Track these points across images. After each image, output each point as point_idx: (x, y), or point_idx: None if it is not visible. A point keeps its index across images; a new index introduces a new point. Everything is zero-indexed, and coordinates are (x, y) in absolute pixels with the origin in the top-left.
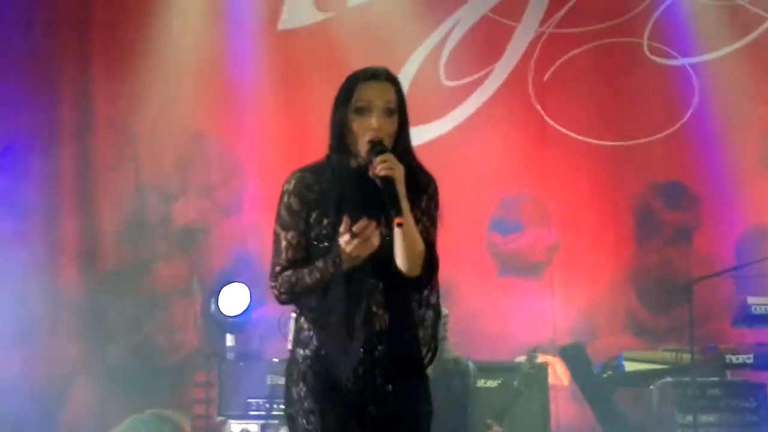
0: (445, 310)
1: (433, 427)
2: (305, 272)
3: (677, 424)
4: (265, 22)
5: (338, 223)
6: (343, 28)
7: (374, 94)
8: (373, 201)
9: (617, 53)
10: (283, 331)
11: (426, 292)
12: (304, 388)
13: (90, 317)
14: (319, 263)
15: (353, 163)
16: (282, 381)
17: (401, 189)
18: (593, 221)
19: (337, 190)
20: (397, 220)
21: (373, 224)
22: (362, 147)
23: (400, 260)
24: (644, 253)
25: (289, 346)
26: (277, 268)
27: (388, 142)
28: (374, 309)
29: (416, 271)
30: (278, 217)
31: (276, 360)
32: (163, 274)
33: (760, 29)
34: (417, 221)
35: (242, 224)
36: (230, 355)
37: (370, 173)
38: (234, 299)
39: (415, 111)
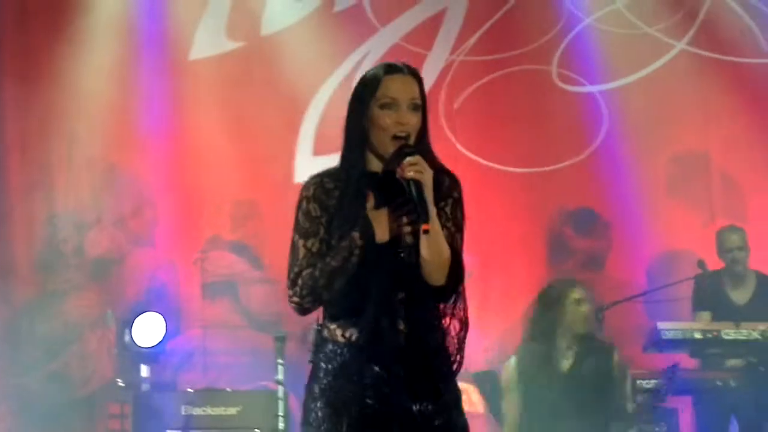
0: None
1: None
2: (327, 258)
3: None
4: (176, 53)
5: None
6: (255, 58)
7: (400, 89)
8: (397, 205)
9: (527, 81)
10: (308, 345)
11: (452, 302)
12: (323, 408)
13: (3, 347)
14: (343, 242)
15: (374, 165)
16: (197, 411)
17: (429, 194)
18: (505, 248)
19: (357, 195)
20: (424, 227)
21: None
22: (387, 143)
23: (425, 268)
24: (556, 278)
25: (310, 359)
26: (295, 272)
27: (412, 140)
28: (397, 323)
29: (441, 281)
30: (296, 224)
31: (191, 390)
32: (76, 305)
33: (667, 56)
34: (442, 227)
35: (155, 255)
36: (145, 386)
37: (398, 175)
38: (148, 330)
39: (327, 139)
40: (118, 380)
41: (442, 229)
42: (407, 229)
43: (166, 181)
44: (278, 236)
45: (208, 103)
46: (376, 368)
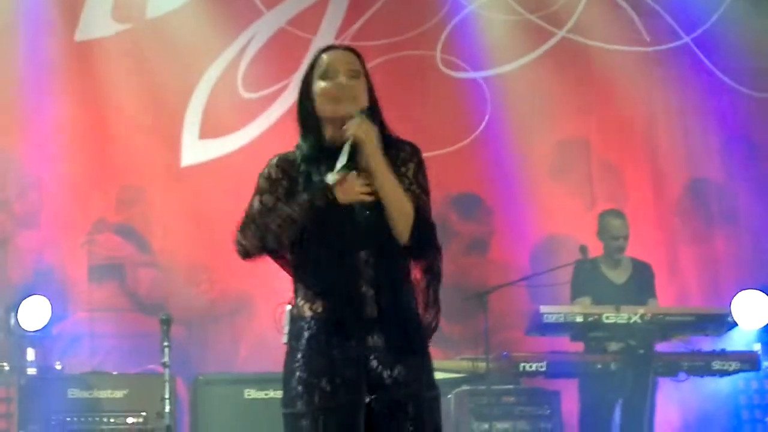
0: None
1: None
2: (285, 207)
3: (473, 431)
4: (62, 34)
5: None
6: (142, 40)
7: (336, 59)
8: (355, 168)
9: (411, 66)
10: (279, 326)
11: (428, 259)
12: (296, 385)
13: None
14: (302, 197)
15: (329, 134)
16: (84, 395)
17: (374, 151)
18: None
19: (312, 169)
20: (363, 184)
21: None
22: (331, 108)
23: (390, 225)
24: None
25: (284, 340)
26: (246, 220)
27: (363, 103)
28: (364, 289)
29: (405, 237)
30: (256, 187)
31: (77, 374)
32: None
33: (549, 43)
34: (406, 189)
35: (41, 237)
36: (31, 370)
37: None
38: (34, 313)
39: (213, 123)
40: (4, 364)
41: (407, 192)
42: (366, 189)
43: (51, 164)
44: (166, 219)
45: (94, 86)
46: (344, 338)
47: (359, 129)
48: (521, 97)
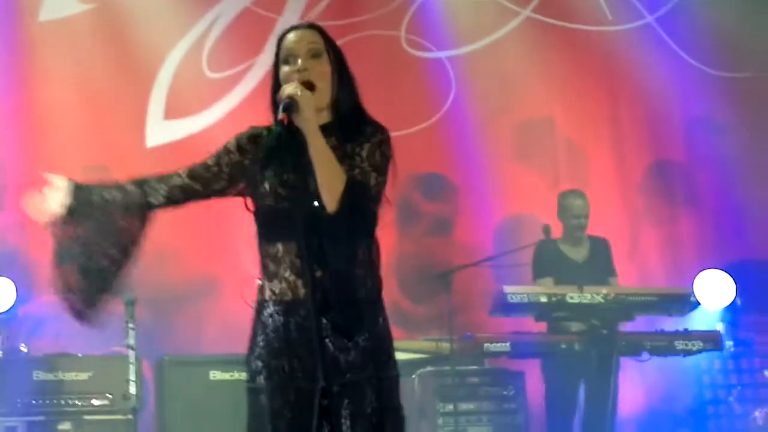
0: None
1: None
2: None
3: (438, 412)
4: (25, 13)
5: (263, 179)
6: (106, 19)
7: (295, 40)
8: (302, 158)
9: (376, 46)
10: (250, 300)
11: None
12: (257, 364)
13: None
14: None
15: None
16: (49, 377)
17: (305, 113)
18: None
19: (266, 147)
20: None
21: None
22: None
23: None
24: (404, 243)
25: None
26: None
27: (323, 86)
28: (317, 272)
29: (332, 206)
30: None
31: (42, 356)
32: None
33: (513, 23)
34: (355, 167)
35: (5, 219)
36: None
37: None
38: None
39: (178, 103)
40: None
41: (355, 170)
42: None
43: (15, 145)
44: None
45: (58, 66)
46: (300, 320)
47: (295, 90)
48: (486, 76)
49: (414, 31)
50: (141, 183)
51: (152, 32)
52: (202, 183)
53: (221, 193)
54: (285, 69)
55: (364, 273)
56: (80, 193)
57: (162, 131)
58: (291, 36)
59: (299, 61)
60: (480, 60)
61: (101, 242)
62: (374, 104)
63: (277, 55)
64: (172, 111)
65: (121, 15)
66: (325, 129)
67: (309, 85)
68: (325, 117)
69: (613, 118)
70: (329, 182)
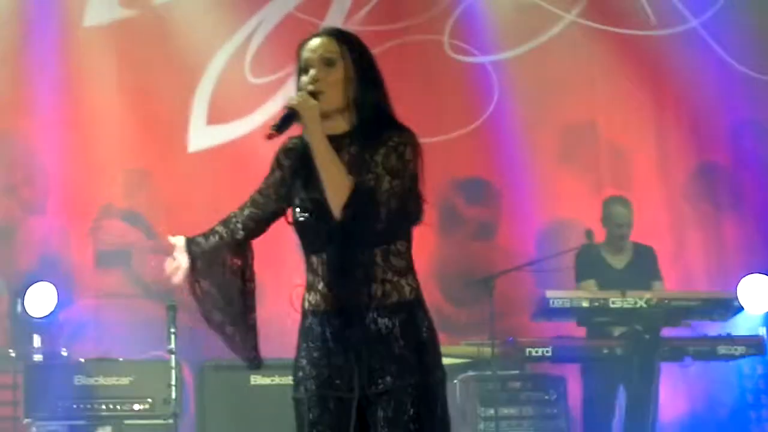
0: None
1: None
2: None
3: (479, 417)
4: (70, 19)
5: (296, 192)
6: (149, 25)
7: (310, 50)
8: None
9: (419, 51)
10: (298, 307)
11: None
12: (299, 373)
13: None
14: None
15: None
16: (90, 381)
17: (308, 121)
18: None
19: (294, 162)
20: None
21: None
22: None
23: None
24: (446, 247)
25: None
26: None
27: (333, 93)
28: (355, 281)
29: (337, 212)
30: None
31: (83, 360)
32: None
33: (557, 27)
34: (369, 172)
35: (47, 224)
36: (37, 357)
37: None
38: (41, 299)
39: (221, 108)
40: (10, 350)
41: (368, 174)
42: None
43: (58, 149)
44: (172, 204)
45: (102, 71)
46: (335, 330)
47: (296, 101)
48: (529, 81)
49: (457, 35)
50: (227, 222)
51: (195, 38)
52: (261, 209)
53: (282, 213)
54: (302, 79)
55: (397, 278)
56: (194, 247)
57: (204, 136)
58: (308, 45)
59: (312, 71)
60: (523, 64)
61: (228, 285)
62: (417, 109)
63: (298, 64)
64: (215, 116)
65: (165, 21)
66: (345, 137)
67: (314, 94)
68: (343, 125)
69: (656, 121)
70: (333, 189)
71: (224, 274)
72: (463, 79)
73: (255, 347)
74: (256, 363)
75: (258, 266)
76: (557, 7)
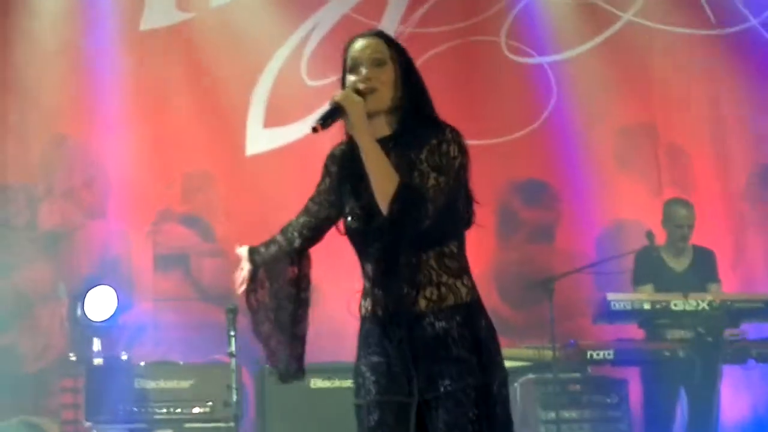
0: None
1: None
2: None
3: (540, 420)
4: (127, 23)
5: (345, 199)
6: (205, 29)
7: (359, 50)
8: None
9: (476, 52)
10: (356, 312)
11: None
12: (361, 374)
13: None
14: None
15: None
16: (150, 385)
17: (354, 118)
18: None
19: (342, 166)
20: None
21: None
22: None
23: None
24: (505, 250)
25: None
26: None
27: (385, 92)
28: (405, 288)
29: (384, 209)
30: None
31: (143, 364)
32: (28, 278)
33: (614, 27)
34: (414, 170)
35: (107, 228)
36: (97, 360)
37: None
38: (101, 303)
39: (278, 111)
40: (71, 354)
41: (413, 172)
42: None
43: (117, 153)
44: (230, 208)
45: (159, 74)
46: (392, 335)
47: (341, 96)
48: (587, 82)
49: (514, 36)
50: (284, 231)
51: (251, 40)
52: (314, 216)
53: (335, 219)
54: (350, 78)
55: (453, 280)
56: (255, 256)
57: (262, 139)
58: (356, 45)
59: (363, 70)
60: (581, 65)
61: (282, 294)
62: (474, 111)
63: (344, 63)
64: (272, 119)
65: (221, 24)
66: (390, 139)
67: (359, 92)
68: (385, 128)
69: (716, 122)
70: (381, 184)
71: (281, 283)
72: (521, 81)
73: (300, 358)
74: (297, 374)
75: (317, 268)
76: (614, 7)
